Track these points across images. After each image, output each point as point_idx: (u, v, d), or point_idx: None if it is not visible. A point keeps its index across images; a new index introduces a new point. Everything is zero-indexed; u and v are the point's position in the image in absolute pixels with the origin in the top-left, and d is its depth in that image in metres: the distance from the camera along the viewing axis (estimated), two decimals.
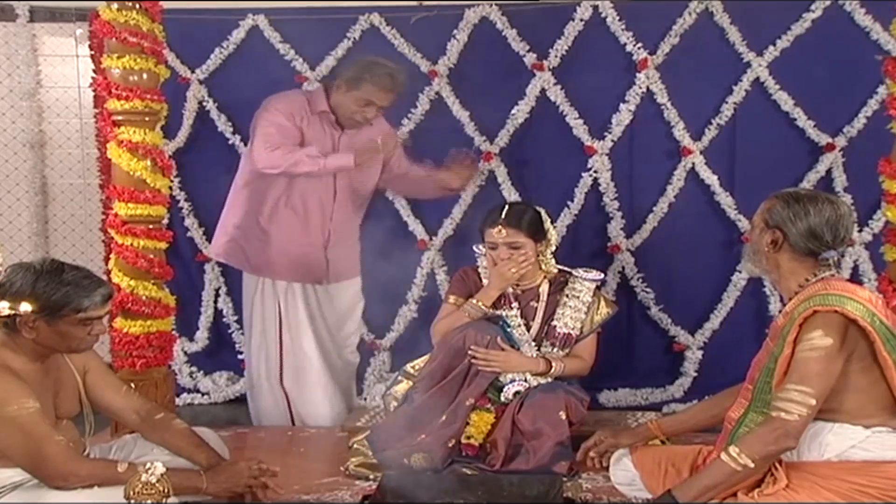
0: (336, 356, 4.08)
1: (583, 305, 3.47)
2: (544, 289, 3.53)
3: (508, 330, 3.43)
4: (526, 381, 3.35)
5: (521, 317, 3.48)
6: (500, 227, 3.41)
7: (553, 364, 3.40)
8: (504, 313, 3.47)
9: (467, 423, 3.26)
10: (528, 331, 3.48)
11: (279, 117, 3.77)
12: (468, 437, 3.25)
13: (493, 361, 3.30)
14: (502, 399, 3.33)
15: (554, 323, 3.46)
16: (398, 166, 4.05)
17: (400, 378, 3.51)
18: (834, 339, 2.22)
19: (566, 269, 3.56)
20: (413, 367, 3.50)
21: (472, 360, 3.30)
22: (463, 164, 4.02)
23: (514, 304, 3.49)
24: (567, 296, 3.48)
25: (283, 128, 3.75)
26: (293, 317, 3.94)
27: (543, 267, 3.53)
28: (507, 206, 3.49)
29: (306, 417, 3.97)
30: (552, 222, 3.59)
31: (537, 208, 3.54)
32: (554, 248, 3.56)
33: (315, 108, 3.85)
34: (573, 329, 3.45)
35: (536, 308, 3.51)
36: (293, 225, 3.88)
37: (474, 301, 3.45)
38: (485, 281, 3.53)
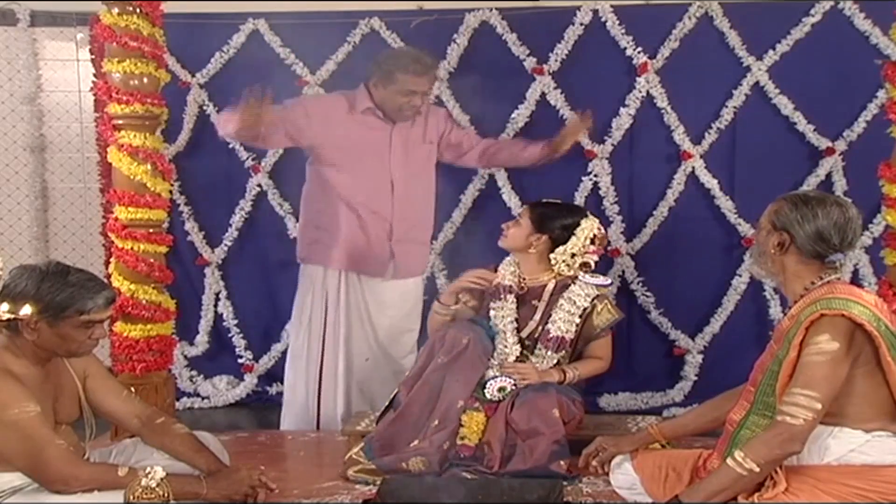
0: (381, 356, 4.01)
1: (577, 310, 3.45)
2: (549, 289, 3.52)
3: (490, 330, 3.44)
4: (510, 377, 3.36)
5: (518, 312, 3.48)
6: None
7: (567, 373, 3.41)
8: (494, 305, 3.47)
9: (461, 425, 3.27)
10: (523, 328, 3.47)
11: (297, 111, 3.78)
12: (462, 438, 3.24)
13: (519, 373, 3.35)
14: (487, 396, 3.33)
15: (548, 326, 3.45)
16: (467, 143, 4.03)
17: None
18: (840, 343, 2.22)
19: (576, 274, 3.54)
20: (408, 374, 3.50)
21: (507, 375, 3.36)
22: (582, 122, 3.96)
23: (510, 297, 3.49)
24: (565, 298, 3.47)
25: (286, 118, 3.72)
26: (336, 318, 3.92)
27: (555, 268, 3.52)
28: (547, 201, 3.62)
29: (330, 422, 3.96)
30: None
31: (581, 218, 3.53)
32: (572, 254, 3.51)
33: (359, 106, 3.84)
34: (566, 332, 3.44)
35: (537, 307, 3.50)
36: (354, 222, 3.84)
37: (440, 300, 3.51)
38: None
